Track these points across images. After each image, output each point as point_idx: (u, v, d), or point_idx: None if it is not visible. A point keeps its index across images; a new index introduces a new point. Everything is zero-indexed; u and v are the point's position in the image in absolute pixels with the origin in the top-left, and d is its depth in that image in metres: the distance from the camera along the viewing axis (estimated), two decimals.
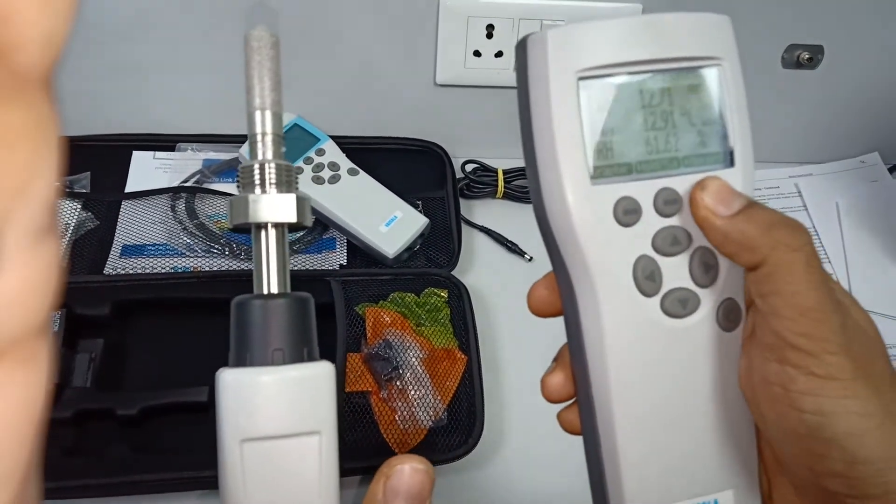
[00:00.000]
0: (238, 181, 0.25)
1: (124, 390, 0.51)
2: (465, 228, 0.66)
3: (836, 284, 0.26)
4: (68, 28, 0.09)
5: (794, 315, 0.23)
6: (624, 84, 0.25)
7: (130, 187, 0.64)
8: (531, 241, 0.66)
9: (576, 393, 0.28)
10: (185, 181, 0.64)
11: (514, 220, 0.68)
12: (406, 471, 0.22)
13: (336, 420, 0.24)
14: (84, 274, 0.57)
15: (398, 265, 0.60)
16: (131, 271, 0.58)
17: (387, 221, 0.60)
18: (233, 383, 0.23)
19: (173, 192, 0.63)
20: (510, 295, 0.62)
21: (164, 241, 0.60)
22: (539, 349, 0.60)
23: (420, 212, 0.62)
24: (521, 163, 0.70)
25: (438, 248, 0.63)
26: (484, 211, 0.69)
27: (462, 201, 0.68)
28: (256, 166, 0.24)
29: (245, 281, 0.56)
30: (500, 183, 0.69)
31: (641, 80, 0.25)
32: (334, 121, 0.66)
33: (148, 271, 0.58)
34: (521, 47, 0.25)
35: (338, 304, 0.54)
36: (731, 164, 0.26)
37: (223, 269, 0.59)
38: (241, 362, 0.24)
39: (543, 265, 0.69)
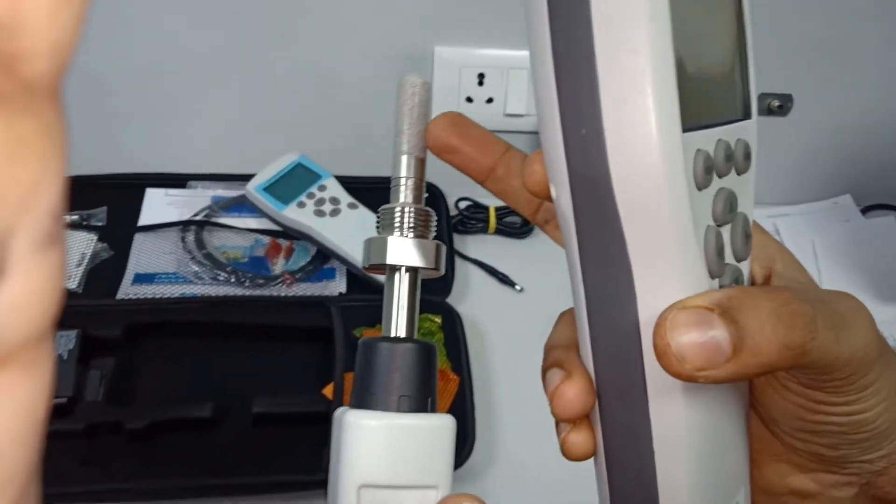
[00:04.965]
0: (378, 222, 0.25)
1: (134, 406, 0.53)
2: (458, 261, 0.69)
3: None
4: (77, 38, 0.09)
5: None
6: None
7: (143, 221, 0.68)
8: (521, 272, 0.69)
9: (600, 402, 0.22)
10: (195, 215, 0.68)
11: (505, 253, 0.72)
12: None
13: (452, 477, 0.23)
14: (98, 298, 0.60)
15: None
16: (142, 297, 0.61)
17: None
18: (357, 426, 0.22)
19: (183, 224, 0.67)
20: (501, 322, 0.65)
21: (174, 270, 0.64)
22: (530, 374, 0.63)
23: None
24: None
25: (433, 278, 0.66)
26: (476, 245, 0.73)
27: (456, 236, 0.72)
28: (398, 209, 0.25)
29: (249, 305, 0.60)
30: (492, 219, 0.73)
31: None
32: (336, 161, 0.71)
33: (158, 297, 0.61)
34: None
35: (336, 327, 0.57)
36: (749, 115, 0.23)
37: (228, 294, 0.62)
38: (364, 404, 0.23)
39: (533, 295, 0.73)
